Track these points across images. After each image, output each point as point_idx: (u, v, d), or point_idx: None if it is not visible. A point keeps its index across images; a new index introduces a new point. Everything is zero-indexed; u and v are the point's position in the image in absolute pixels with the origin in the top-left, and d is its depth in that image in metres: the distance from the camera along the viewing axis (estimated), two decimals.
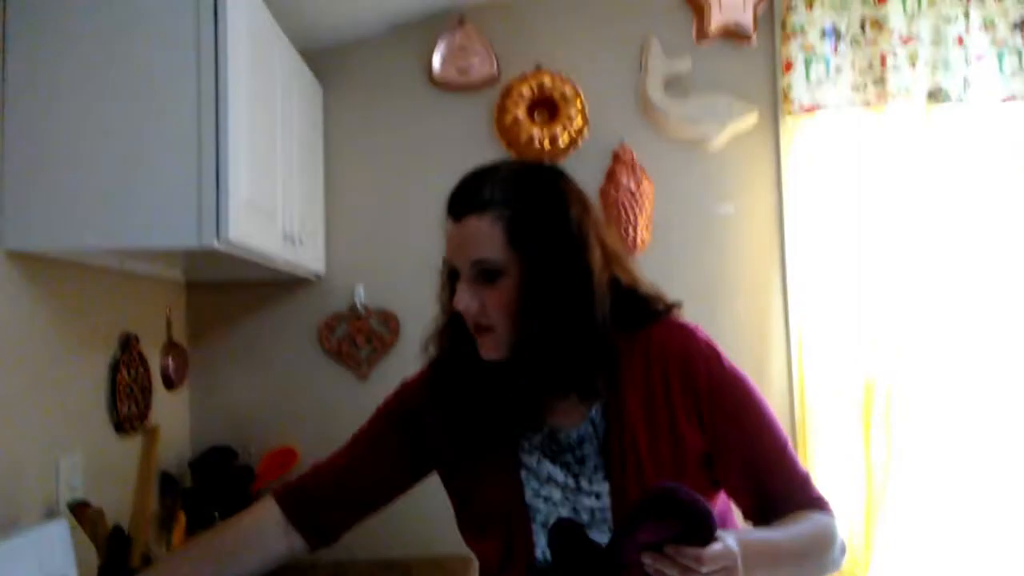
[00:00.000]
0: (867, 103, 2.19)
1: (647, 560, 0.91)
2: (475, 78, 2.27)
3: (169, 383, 2.06)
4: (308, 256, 2.03)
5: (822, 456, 2.16)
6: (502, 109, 2.25)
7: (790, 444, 1.16)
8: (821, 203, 2.22)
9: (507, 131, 2.25)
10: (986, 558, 2.16)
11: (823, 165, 2.22)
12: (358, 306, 2.24)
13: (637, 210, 2.24)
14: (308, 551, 1.21)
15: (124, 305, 1.86)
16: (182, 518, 1.78)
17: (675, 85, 2.30)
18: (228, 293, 2.22)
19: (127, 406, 1.82)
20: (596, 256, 1.07)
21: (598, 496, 1.09)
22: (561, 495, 1.11)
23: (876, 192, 2.19)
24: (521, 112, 2.25)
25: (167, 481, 1.66)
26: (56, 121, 1.42)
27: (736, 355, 2.36)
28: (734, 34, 2.28)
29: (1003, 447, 2.21)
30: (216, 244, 1.44)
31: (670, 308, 1.16)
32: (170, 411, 2.08)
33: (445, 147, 2.29)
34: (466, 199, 1.07)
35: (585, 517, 1.10)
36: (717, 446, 1.11)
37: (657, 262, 2.27)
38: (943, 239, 2.23)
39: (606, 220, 2.16)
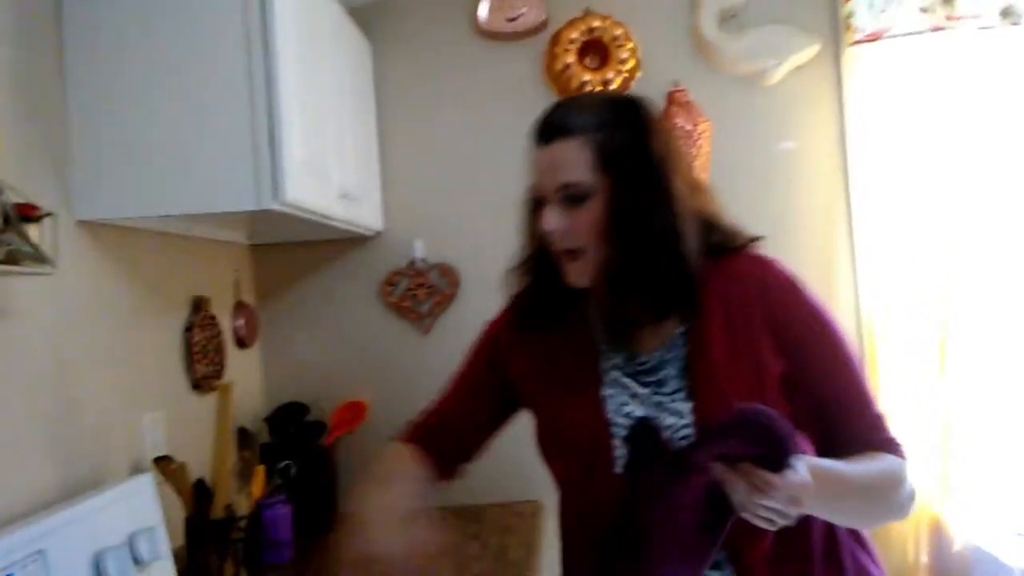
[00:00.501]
0: (936, 26, 2.08)
1: (718, 468, 0.92)
2: (523, 26, 2.24)
3: (241, 343, 2.14)
4: (365, 213, 2.06)
5: (890, 397, 2.11)
6: (552, 56, 2.22)
7: (867, 383, 1.14)
8: (887, 135, 2.13)
9: (557, 78, 2.22)
10: None
11: (888, 95, 2.12)
12: (417, 261, 2.27)
13: (694, 151, 2.19)
14: (435, 484, 1.29)
15: (193, 269, 1.92)
16: (261, 471, 1.86)
17: (730, 20, 2.22)
18: (292, 253, 2.28)
19: (202, 366, 1.90)
20: (681, 182, 1.10)
21: (681, 415, 1.10)
22: (643, 411, 1.13)
23: (946, 122, 2.09)
24: (571, 58, 2.21)
25: (244, 435, 1.74)
26: (116, 94, 1.46)
27: None
28: None
29: None
30: (274, 205, 1.48)
31: (751, 240, 1.18)
32: (244, 369, 2.16)
33: (495, 97, 2.28)
34: (554, 125, 1.11)
35: (666, 434, 1.11)
36: (794, 375, 1.11)
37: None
38: (1019, 170, 2.12)
39: None
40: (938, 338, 2.10)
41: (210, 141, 1.46)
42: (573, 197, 1.09)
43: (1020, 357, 2.11)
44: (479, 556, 1.85)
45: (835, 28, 2.21)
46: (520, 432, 2.25)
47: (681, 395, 1.11)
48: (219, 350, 1.98)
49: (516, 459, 2.27)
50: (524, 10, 2.23)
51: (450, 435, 1.31)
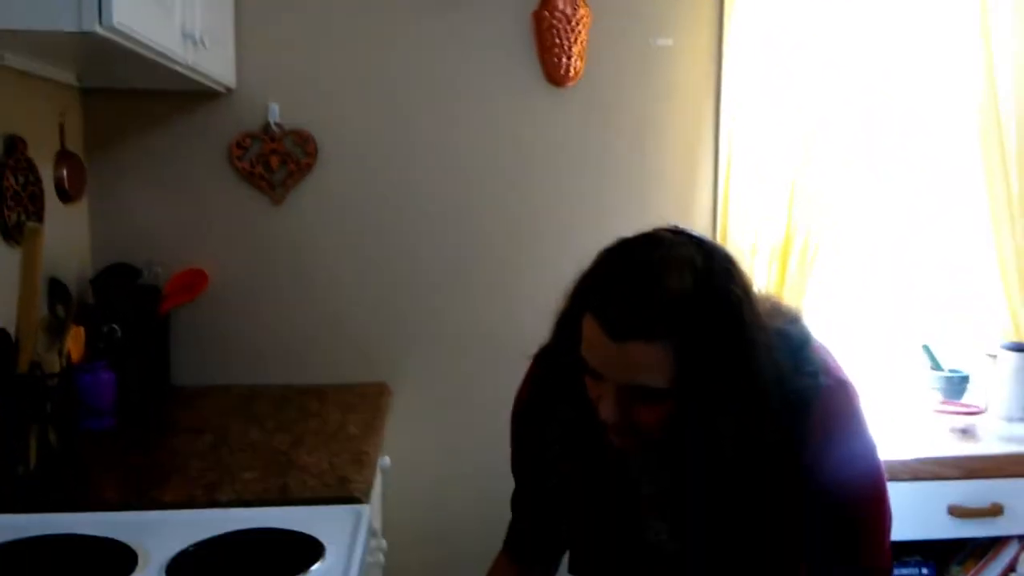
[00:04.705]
0: None
1: None
2: None
3: (65, 196, 1.93)
4: (213, 63, 1.87)
5: None
6: None
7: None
8: (762, 42, 2.14)
9: None
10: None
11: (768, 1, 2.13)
12: (272, 125, 2.11)
13: (572, 37, 2.12)
14: None
15: (7, 105, 1.70)
16: (79, 332, 1.71)
17: None
18: (129, 102, 2.06)
19: (16, 214, 1.70)
20: (763, 357, 0.96)
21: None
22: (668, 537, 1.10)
23: (823, 33, 2.12)
24: None
25: (57, 288, 1.58)
26: None
27: (664, 192, 2.34)
28: None
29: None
30: (98, 29, 1.28)
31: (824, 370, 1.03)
32: (67, 226, 1.96)
33: None
34: (631, 322, 0.91)
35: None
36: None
37: (590, 93, 2.20)
38: (881, 92, 2.21)
39: (546, 46, 2.10)
40: (786, 249, 2.19)
41: None
42: (642, 395, 0.94)
43: (868, 279, 2.27)
44: (317, 431, 1.79)
45: None
46: (368, 312, 2.20)
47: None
48: (36, 199, 1.78)
49: (362, 342, 2.22)
50: None
51: (540, 537, 1.24)
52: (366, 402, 2.03)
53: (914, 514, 1.92)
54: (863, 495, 1.06)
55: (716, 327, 0.92)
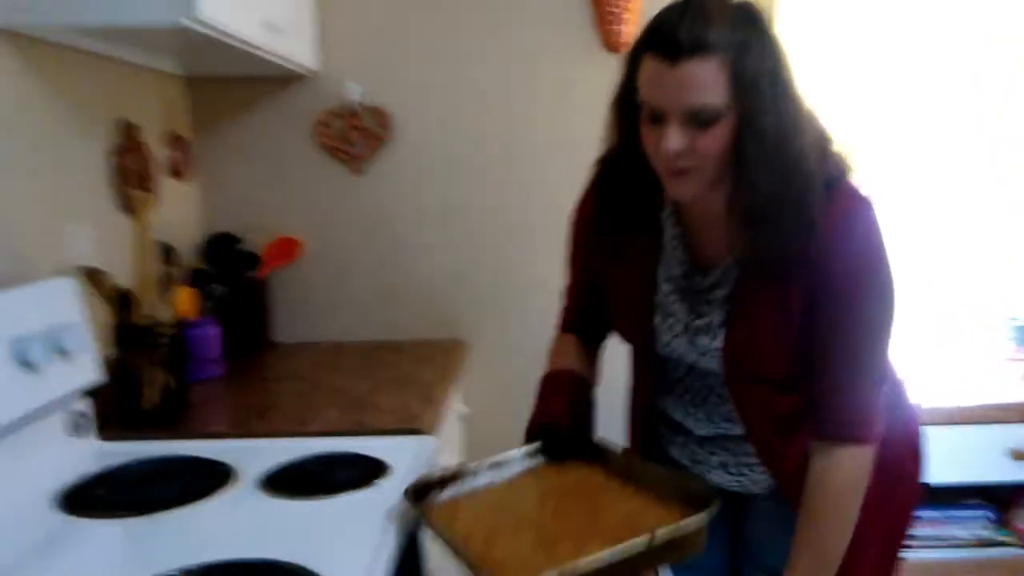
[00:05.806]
0: None
1: None
2: None
3: (176, 174, 2.18)
4: (295, 48, 2.07)
5: None
6: None
7: (870, 366, 1.14)
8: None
9: None
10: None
11: None
12: (351, 103, 2.30)
13: (626, 4, 2.21)
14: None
15: (120, 93, 1.93)
16: (186, 291, 1.94)
17: None
18: (227, 88, 2.30)
19: (133, 190, 1.94)
20: (805, 105, 1.06)
21: (714, 337, 1.19)
22: (682, 329, 1.23)
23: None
24: None
25: (169, 251, 1.81)
26: None
27: None
28: None
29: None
30: (185, 21, 1.48)
31: (847, 172, 1.11)
32: (178, 201, 2.22)
33: None
34: (688, 40, 0.98)
35: (696, 354, 1.22)
36: (807, 325, 1.12)
37: None
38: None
39: (602, 14, 2.20)
40: None
41: None
42: (702, 120, 1.02)
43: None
44: (394, 378, 1.98)
45: None
46: (444, 273, 2.37)
47: (720, 318, 1.17)
48: (151, 178, 2.03)
49: (440, 301, 2.40)
50: None
51: (589, 318, 1.40)
52: (442, 354, 2.21)
53: (977, 457, 1.93)
54: (870, 291, 1.10)
55: (762, 44, 1.01)
